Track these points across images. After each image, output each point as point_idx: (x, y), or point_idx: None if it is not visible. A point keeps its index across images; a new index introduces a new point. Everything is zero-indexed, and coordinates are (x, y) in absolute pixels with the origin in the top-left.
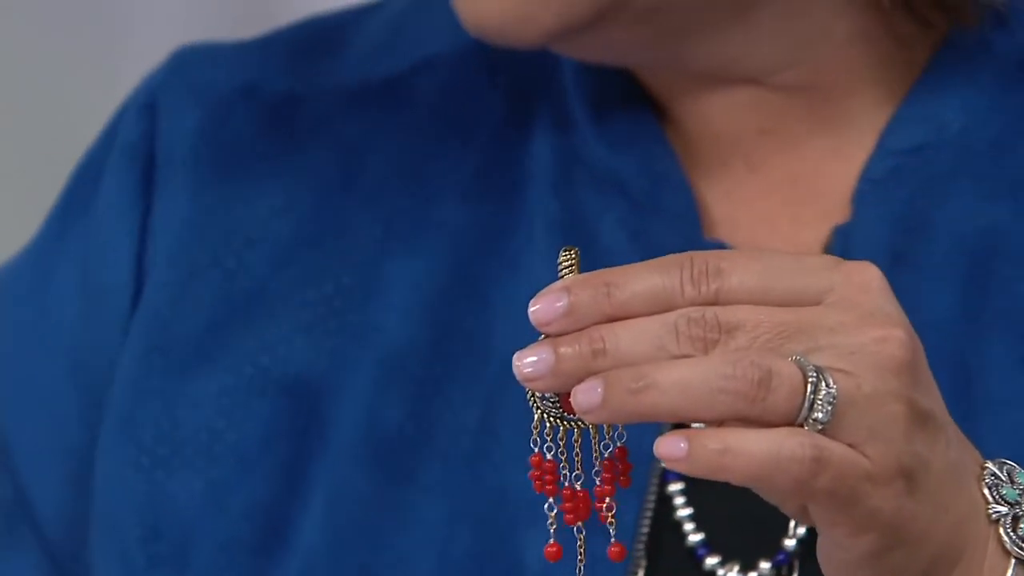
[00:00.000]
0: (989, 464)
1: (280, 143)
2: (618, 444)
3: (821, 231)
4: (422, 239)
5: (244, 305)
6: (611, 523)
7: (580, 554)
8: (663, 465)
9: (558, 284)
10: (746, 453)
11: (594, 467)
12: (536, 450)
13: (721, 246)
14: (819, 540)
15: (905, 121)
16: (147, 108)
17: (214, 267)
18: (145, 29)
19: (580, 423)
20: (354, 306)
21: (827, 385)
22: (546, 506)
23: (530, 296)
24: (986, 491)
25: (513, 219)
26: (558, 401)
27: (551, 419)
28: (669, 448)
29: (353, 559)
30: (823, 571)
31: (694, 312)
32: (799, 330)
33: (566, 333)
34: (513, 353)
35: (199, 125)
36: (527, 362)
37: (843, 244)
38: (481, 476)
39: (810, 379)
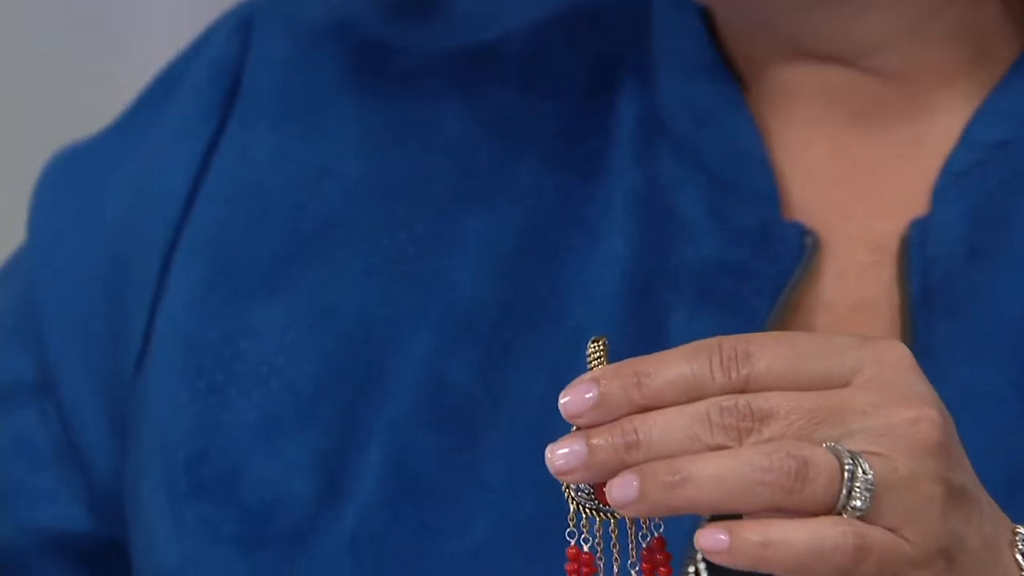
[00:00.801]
0: (1021, 529)
1: (366, 88)
2: (655, 534)
3: (897, 222)
4: (500, 197)
5: (314, 240)
6: None
7: None
8: (702, 556)
9: (587, 375)
10: (788, 544)
11: (631, 559)
12: (573, 542)
13: (799, 228)
14: None
15: (990, 115)
16: (242, 30)
17: (286, 198)
18: (145, 29)
19: (616, 514)
20: (426, 256)
21: (863, 471)
22: None
23: (606, 266)
24: (1019, 556)
25: (593, 186)
26: (593, 492)
27: (587, 510)
28: (710, 541)
29: (412, 515)
30: None
31: (726, 401)
32: (831, 415)
33: (598, 424)
34: (584, 323)
35: (290, 57)
36: (559, 454)
37: (921, 237)
38: (545, 443)
39: (846, 466)
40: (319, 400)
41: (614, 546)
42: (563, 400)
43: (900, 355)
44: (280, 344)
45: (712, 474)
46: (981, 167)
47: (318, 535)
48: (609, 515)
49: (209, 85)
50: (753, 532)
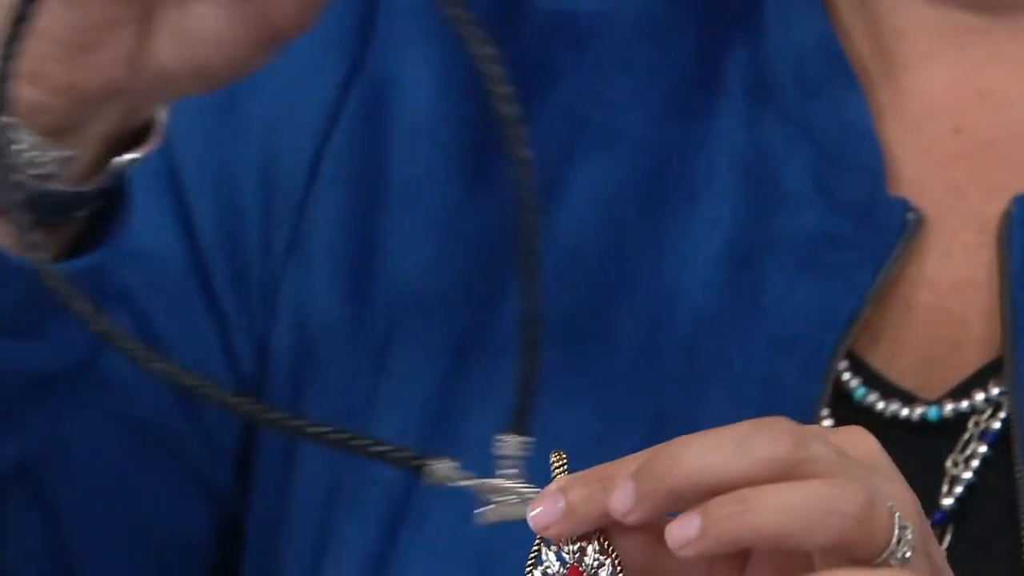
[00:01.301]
0: None
1: (498, 31)
2: None
3: (1006, 202)
4: (607, 152)
5: (447, 162)
6: None
7: None
8: None
9: (553, 485)
10: None
11: None
12: None
13: (903, 204)
14: None
15: None
16: None
17: (425, 119)
18: None
19: None
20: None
21: (905, 525)
22: None
23: (707, 229)
24: None
25: (697, 148)
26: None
27: None
28: None
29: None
30: None
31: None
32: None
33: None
34: (682, 284)
35: None
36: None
37: (1022, 215)
38: (634, 395)
39: (896, 513)
40: (447, 315)
41: None
42: (532, 513)
43: (868, 439)
44: (414, 257)
45: (783, 504)
46: None
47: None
48: None
49: (353, 3)
50: None
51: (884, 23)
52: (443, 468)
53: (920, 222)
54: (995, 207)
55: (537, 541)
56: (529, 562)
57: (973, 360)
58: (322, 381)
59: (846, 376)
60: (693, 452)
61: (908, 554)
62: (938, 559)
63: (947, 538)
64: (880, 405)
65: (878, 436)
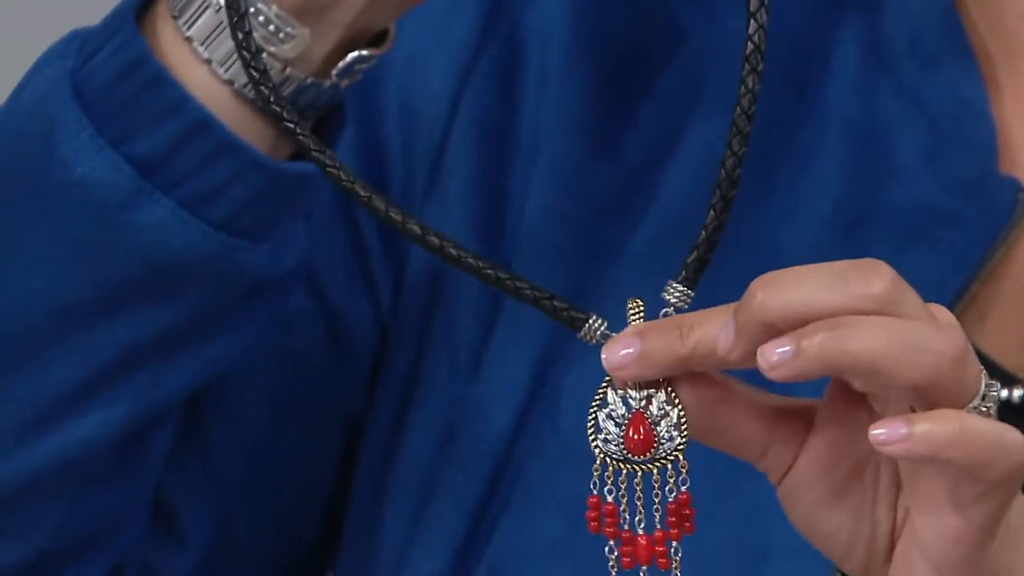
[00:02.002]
0: None
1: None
2: (682, 490)
3: None
4: (722, 112)
5: (575, 114)
6: (675, 568)
7: None
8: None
9: (630, 329)
10: (980, 435)
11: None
12: (595, 492)
13: (1014, 184)
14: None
15: None
16: None
17: (560, 67)
18: None
19: (644, 466)
20: (651, 161)
21: (991, 381)
22: (607, 548)
23: (815, 191)
24: None
25: (806, 112)
26: (622, 442)
27: (614, 462)
28: (890, 434)
29: None
30: None
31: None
32: None
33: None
34: (786, 243)
35: None
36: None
37: None
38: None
39: (982, 370)
40: (558, 265)
41: (638, 499)
42: (606, 354)
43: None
44: (533, 206)
45: (879, 334)
46: None
47: None
48: (636, 467)
49: None
50: (945, 419)
51: (1008, 5)
52: (596, 326)
53: None
54: None
55: (604, 383)
56: (595, 403)
57: None
58: (449, 320)
59: None
60: (789, 285)
61: (992, 409)
62: None
63: None
64: None
65: None
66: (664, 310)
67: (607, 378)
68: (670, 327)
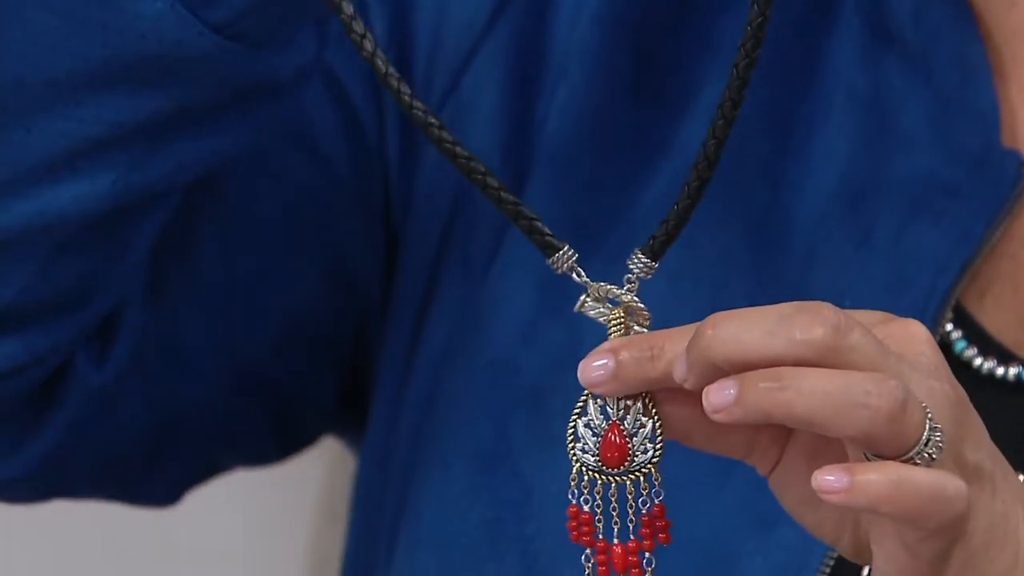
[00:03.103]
0: None
1: None
2: (655, 501)
3: None
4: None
5: (604, 44)
6: None
7: None
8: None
9: (606, 344)
10: (916, 486)
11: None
12: (573, 502)
13: (1017, 157)
14: None
15: None
16: None
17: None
18: None
19: (618, 477)
20: (666, 120)
21: (935, 425)
22: (583, 556)
23: (821, 161)
24: None
25: (814, 79)
26: (598, 454)
27: (590, 472)
28: (828, 483)
29: None
30: None
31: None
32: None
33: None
34: (793, 210)
35: None
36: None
37: None
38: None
39: (928, 413)
40: (588, 191)
41: (613, 509)
42: (584, 369)
43: (919, 331)
44: (562, 130)
45: (816, 387)
46: None
47: None
48: (611, 478)
49: None
50: (883, 472)
51: None
52: (566, 257)
53: None
54: None
55: (585, 393)
56: (576, 411)
57: None
58: (472, 221)
59: (949, 327)
60: (734, 327)
61: (935, 455)
62: (978, 462)
63: None
64: (977, 362)
65: (973, 393)
66: (626, 276)
67: (586, 391)
68: (643, 347)
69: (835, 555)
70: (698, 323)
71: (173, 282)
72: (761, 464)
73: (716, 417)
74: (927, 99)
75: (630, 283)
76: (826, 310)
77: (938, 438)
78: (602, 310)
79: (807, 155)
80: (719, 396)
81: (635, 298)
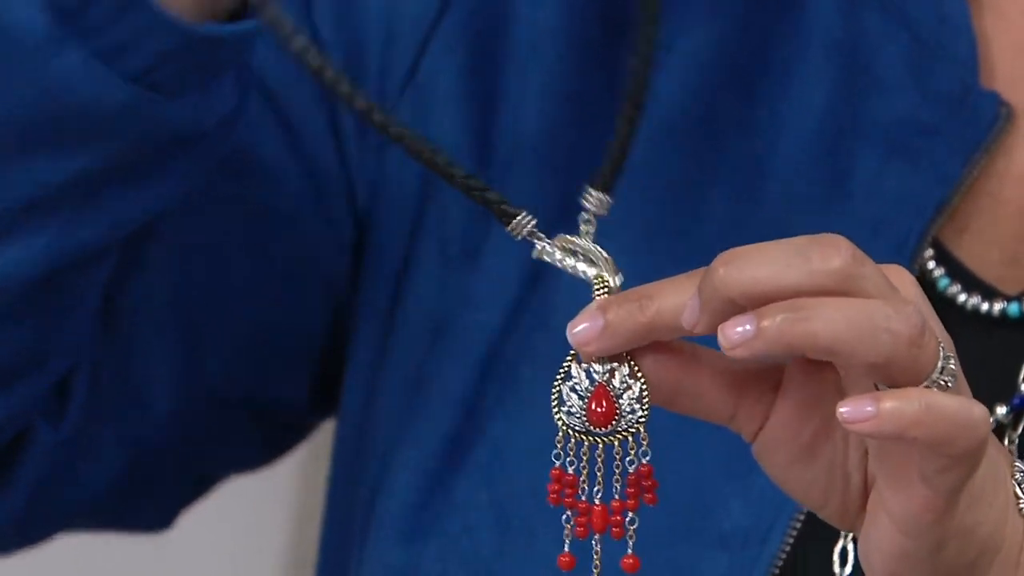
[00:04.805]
0: (1019, 463)
1: None
2: (642, 462)
3: None
4: (711, 24)
5: (549, 38)
6: (630, 536)
7: (596, 565)
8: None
9: (593, 304)
10: (943, 411)
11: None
12: (558, 464)
13: (995, 98)
14: (871, 544)
15: None
16: None
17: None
18: None
19: (606, 438)
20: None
21: (948, 354)
22: (563, 518)
23: (800, 106)
24: (1017, 489)
25: (793, 29)
26: (584, 415)
27: (576, 434)
28: (856, 412)
29: None
30: None
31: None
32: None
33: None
34: (770, 157)
35: None
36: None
37: None
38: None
39: (940, 343)
40: (556, 170)
41: (599, 470)
42: (573, 330)
43: (906, 276)
44: (530, 110)
45: (839, 315)
46: None
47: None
48: (597, 439)
49: None
50: (910, 399)
51: None
52: (524, 222)
53: (1010, 116)
54: None
55: (568, 357)
56: (559, 376)
57: None
58: (440, 212)
59: (931, 265)
60: (751, 262)
61: (950, 383)
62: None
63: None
64: (962, 298)
65: (958, 329)
66: (581, 215)
67: (572, 352)
68: (630, 298)
69: None
70: (685, 274)
71: (124, 318)
72: (746, 427)
73: (734, 353)
74: (904, 42)
75: (586, 222)
76: (840, 241)
77: (952, 366)
78: (569, 261)
79: (783, 103)
80: (737, 331)
81: (597, 248)
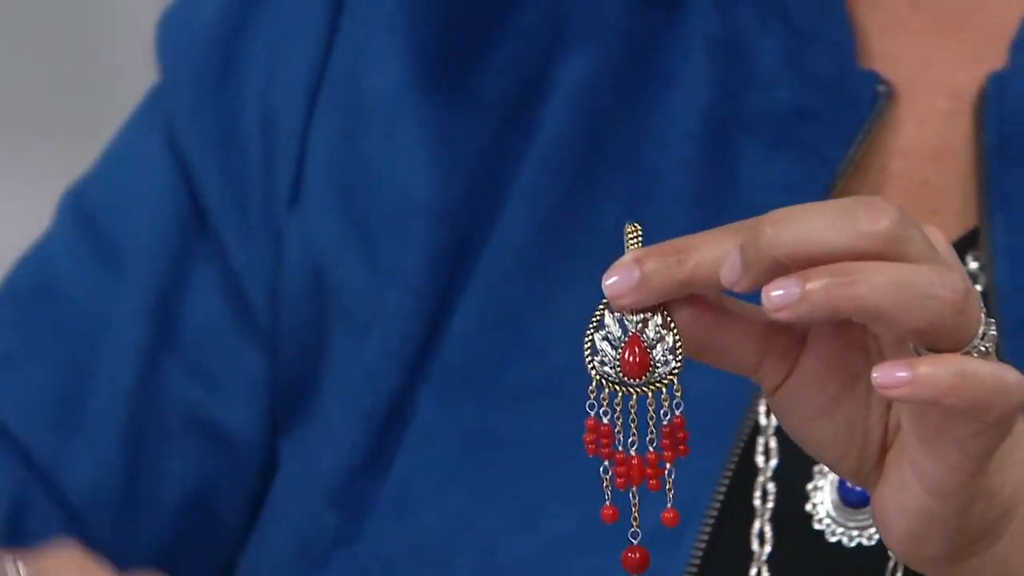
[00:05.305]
0: None
1: None
2: (676, 413)
3: (977, 72)
4: (590, 44)
5: (433, 80)
6: (670, 489)
7: (635, 517)
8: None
9: (629, 256)
10: (980, 377)
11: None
12: (592, 414)
13: (873, 77)
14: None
15: None
16: None
17: (408, 47)
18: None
19: (640, 388)
20: (523, 102)
21: (990, 319)
22: (601, 469)
23: (684, 109)
24: None
25: (672, 32)
26: (618, 365)
27: (610, 384)
28: (891, 378)
29: (492, 340)
30: (892, 545)
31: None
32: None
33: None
34: (660, 165)
35: None
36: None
37: (999, 91)
38: None
39: (982, 309)
40: (437, 224)
41: (633, 421)
42: (608, 281)
43: (939, 235)
44: (411, 176)
45: (886, 280)
46: None
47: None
48: (631, 389)
49: None
50: (946, 365)
51: None
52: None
53: (890, 94)
54: (965, 75)
55: (602, 305)
56: (592, 325)
57: (951, 229)
58: (349, 317)
59: None
60: (798, 222)
61: (990, 348)
62: None
63: None
64: None
65: None
66: None
67: (604, 300)
68: (668, 252)
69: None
70: (723, 227)
71: None
72: (769, 379)
73: (779, 316)
74: (781, 32)
75: None
76: (884, 202)
77: (993, 332)
78: None
79: (671, 106)
80: (783, 294)
81: None
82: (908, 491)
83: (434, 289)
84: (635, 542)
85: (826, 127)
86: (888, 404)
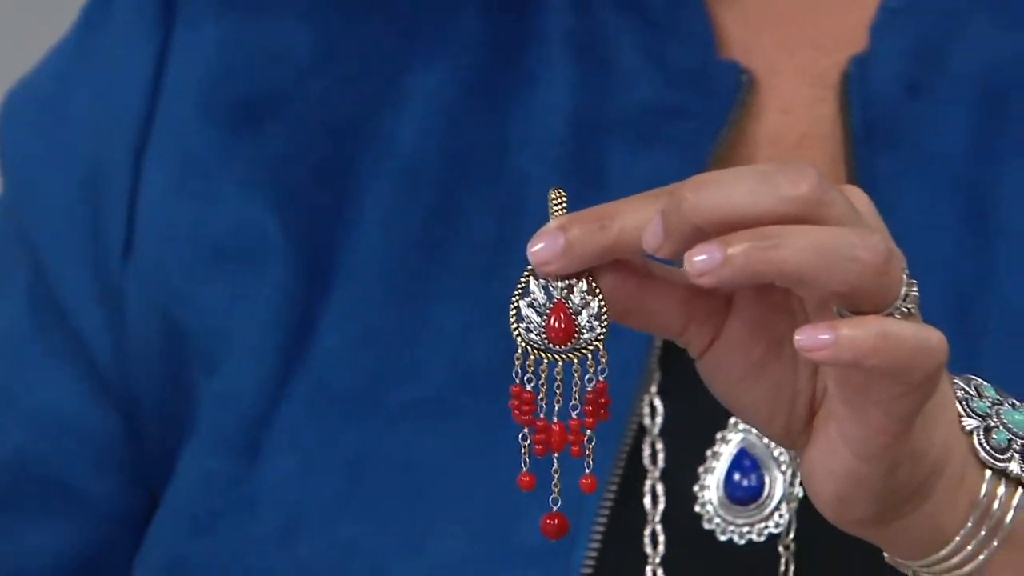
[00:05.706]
0: (957, 380)
1: None
2: (600, 379)
3: (839, 58)
4: (442, 52)
5: (270, 115)
6: (588, 455)
7: (555, 484)
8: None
9: (553, 223)
10: (902, 338)
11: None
12: (516, 381)
13: (735, 67)
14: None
15: None
16: None
17: (240, 84)
18: None
19: (565, 355)
20: (374, 117)
21: (912, 280)
22: (520, 436)
23: (547, 113)
24: (958, 405)
25: (528, 32)
26: (544, 331)
27: (535, 351)
28: (812, 340)
29: (366, 364)
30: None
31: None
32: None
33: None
34: (528, 170)
35: None
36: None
37: (860, 73)
38: (496, 289)
39: (904, 270)
40: (290, 251)
41: (557, 388)
42: (533, 248)
43: (862, 196)
44: (246, 206)
45: (807, 243)
46: (916, 4)
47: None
48: (556, 356)
49: None
50: (868, 327)
51: None
52: None
53: (752, 83)
54: (827, 61)
55: (526, 272)
56: (516, 292)
57: None
58: (207, 354)
59: None
60: (717, 188)
61: (912, 309)
62: None
63: None
64: None
65: None
66: None
67: (528, 267)
68: (592, 218)
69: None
70: (645, 193)
71: None
72: (694, 343)
73: (701, 281)
74: (639, 29)
75: None
76: (805, 166)
77: (915, 292)
78: None
79: (533, 111)
80: (705, 259)
81: None
82: (835, 454)
83: (289, 320)
84: (555, 508)
85: (692, 121)
86: (815, 367)
